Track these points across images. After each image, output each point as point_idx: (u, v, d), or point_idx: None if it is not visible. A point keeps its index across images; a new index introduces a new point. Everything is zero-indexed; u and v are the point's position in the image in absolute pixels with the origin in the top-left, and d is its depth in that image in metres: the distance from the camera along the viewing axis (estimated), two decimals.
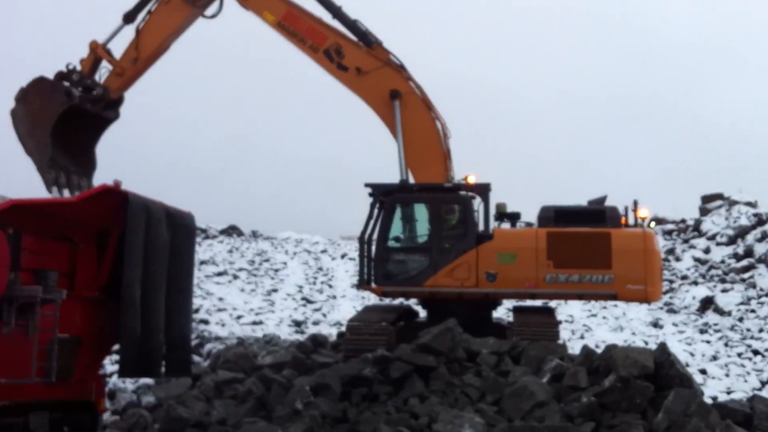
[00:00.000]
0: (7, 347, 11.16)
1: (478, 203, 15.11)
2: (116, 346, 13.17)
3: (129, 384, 15.89)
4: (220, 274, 34.07)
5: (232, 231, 45.62)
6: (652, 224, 15.52)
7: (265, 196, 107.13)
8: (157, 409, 12.99)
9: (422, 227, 15.51)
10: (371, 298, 19.29)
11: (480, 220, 15.04)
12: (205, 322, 25.37)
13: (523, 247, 14.68)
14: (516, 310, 15.70)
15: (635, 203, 15.18)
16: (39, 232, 12.31)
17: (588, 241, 14.64)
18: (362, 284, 15.23)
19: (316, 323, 28.08)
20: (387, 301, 17.61)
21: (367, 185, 15.16)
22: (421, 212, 15.54)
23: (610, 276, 14.49)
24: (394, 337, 13.92)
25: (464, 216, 15.01)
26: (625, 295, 14.74)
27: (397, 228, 15.34)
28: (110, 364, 15.35)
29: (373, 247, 14.97)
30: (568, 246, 14.61)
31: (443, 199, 15.23)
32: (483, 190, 15.11)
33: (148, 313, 12.86)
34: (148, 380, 15.33)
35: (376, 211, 15.07)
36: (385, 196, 15.08)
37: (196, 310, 25.14)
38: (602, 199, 15.51)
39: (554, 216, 14.97)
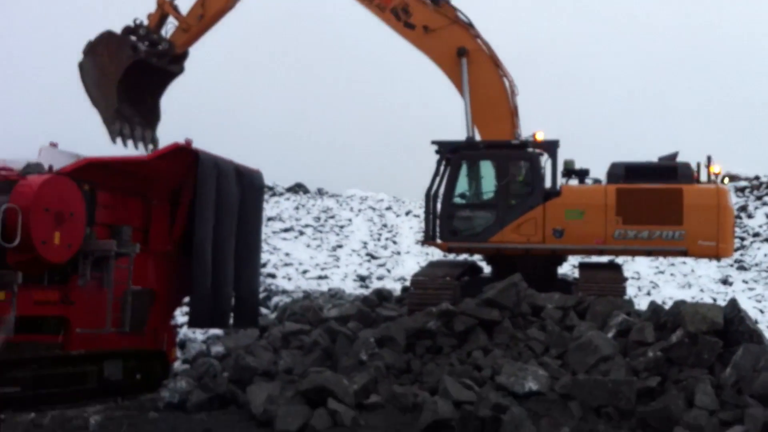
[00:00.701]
0: (83, 299, 11.62)
1: (545, 160, 14.95)
2: (187, 299, 13.61)
3: (199, 334, 16.36)
4: (286, 230, 34.53)
5: (298, 188, 46.07)
6: (725, 180, 15.17)
7: (331, 154, 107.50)
8: (226, 359, 13.34)
9: (488, 184, 15.44)
10: (435, 254, 19.35)
11: (547, 177, 14.94)
12: (272, 276, 25.83)
13: (591, 203, 14.53)
14: (582, 266, 15.58)
15: (708, 159, 14.85)
16: (114, 189, 12.72)
17: (659, 197, 14.40)
18: (428, 240, 15.31)
19: (380, 278, 28.32)
20: (451, 257, 17.67)
21: (433, 142, 15.15)
22: (487, 169, 15.46)
23: (681, 232, 14.26)
24: (458, 292, 13.99)
25: (531, 172, 14.91)
26: (695, 251, 14.51)
27: (463, 185, 15.32)
28: (181, 316, 15.78)
29: (439, 204, 15.00)
30: (638, 202, 14.41)
31: (510, 155, 15.13)
32: (551, 146, 14.95)
33: (218, 267, 13.22)
34: (218, 331, 15.76)
35: (442, 168, 15.07)
36: (451, 153, 15.05)
37: (264, 265, 25.58)
38: (673, 156, 15.20)
39: (624, 172, 14.75)
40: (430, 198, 15.02)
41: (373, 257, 32.12)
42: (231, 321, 13.80)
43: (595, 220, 14.43)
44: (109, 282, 11.77)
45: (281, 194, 43.27)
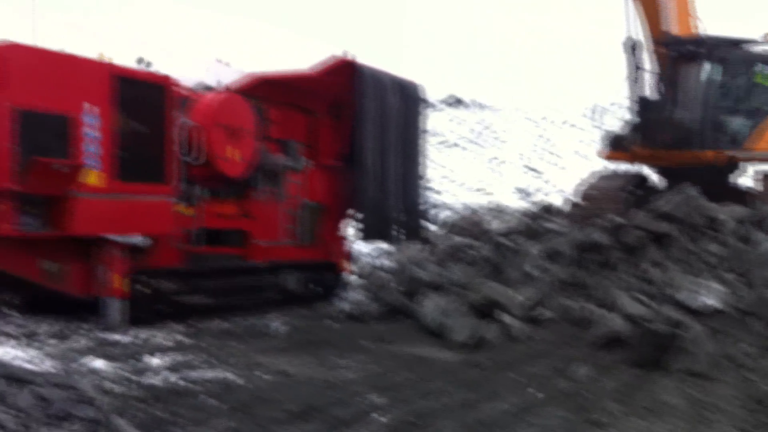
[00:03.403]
0: (260, 213, 12.14)
1: None
2: (354, 212, 13.93)
3: (368, 248, 16.77)
4: (444, 144, 34.53)
5: (455, 101, 45.75)
6: None
7: (487, 65, 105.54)
8: (395, 272, 13.62)
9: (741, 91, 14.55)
10: (597, 166, 18.78)
11: None
12: (434, 190, 25.99)
13: None
14: (765, 177, 14.67)
15: None
16: (282, 105, 13.06)
17: None
18: (622, 147, 14.61)
19: (541, 191, 27.95)
20: (613, 167, 17.09)
21: (664, 42, 14.32)
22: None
23: None
24: (628, 204, 13.58)
25: None
26: None
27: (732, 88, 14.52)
28: (349, 229, 16.22)
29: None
30: None
31: None
32: None
33: (383, 180, 13.42)
34: (386, 245, 16.10)
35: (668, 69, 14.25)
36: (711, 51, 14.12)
37: (425, 179, 25.71)
38: None
39: None
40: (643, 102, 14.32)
41: (533, 170, 31.66)
42: (398, 234, 14.03)
43: None
44: (283, 196, 12.22)
45: (438, 108, 43.16)
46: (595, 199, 13.78)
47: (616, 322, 9.65)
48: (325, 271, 13.52)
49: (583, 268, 11.77)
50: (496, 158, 32.94)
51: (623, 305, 10.04)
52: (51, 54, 9.46)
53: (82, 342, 8.95)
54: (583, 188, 14.44)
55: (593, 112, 14.82)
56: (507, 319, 9.75)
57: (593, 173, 16.12)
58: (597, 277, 11.50)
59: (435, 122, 37.76)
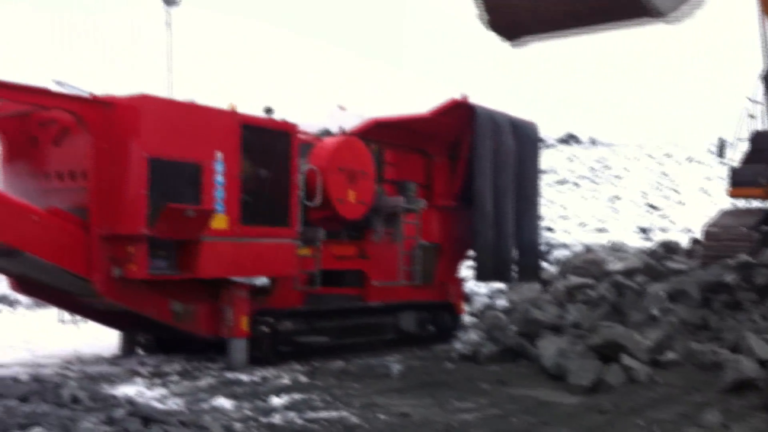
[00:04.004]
0: (377, 253, 12.30)
1: None
2: (471, 252, 13.90)
3: (483, 288, 16.68)
4: (560, 182, 34.05)
5: (569, 139, 45.11)
6: None
7: (601, 103, 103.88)
8: (511, 312, 13.48)
9: None
10: (723, 203, 18.10)
11: None
12: (550, 229, 25.62)
13: None
14: None
15: None
16: (398, 147, 13.27)
17: None
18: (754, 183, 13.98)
19: (663, 230, 27.09)
20: (741, 204, 16.43)
21: None
22: None
23: None
24: (756, 243, 13.02)
25: None
26: None
27: None
28: (464, 269, 16.18)
29: None
30: None
31: None
32: None
33: (499, 219, 13.37)
34: (501, 285, 15.97)
35: None
36: None
37: (541, 218, 25.42)
38: None
39: None
40: None
41: (654, 208, 30.76)
42: (514, 274, 13.92)
43: None
44: (399, 237, 12.35)
45: (552, 146, 42.66)
46: (722, 237, 13.26)
47: (747, 366, 9.19)
48: (442, 311, 13.51)
49: (712, 310, 11.34)
50: (617, 197, 32.16)
51: (754, 348, 9.58)
52: (182, 105, 9.96)
53: (208, 381, 9.25)
54: (709, 226, 13.94)
55: (718, 147, 14.28)
56: (629, 361, 9.46)
57: (720, 211, 15.57)
58: (725, 318, 11.05)
59: (551, 160, 37.36)
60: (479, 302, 15.93)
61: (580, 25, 10.39)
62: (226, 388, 8.83)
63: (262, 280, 10.45)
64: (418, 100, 15.50)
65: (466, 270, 15.55)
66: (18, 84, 9.05)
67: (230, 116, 10.13)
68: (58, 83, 11.80)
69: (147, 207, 9.16)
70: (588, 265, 14.71)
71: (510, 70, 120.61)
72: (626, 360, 9.48)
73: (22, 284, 10.53)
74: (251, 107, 10.83)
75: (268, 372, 9.78)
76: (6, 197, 9.00)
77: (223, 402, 7.95)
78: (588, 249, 18.17)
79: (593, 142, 44.78)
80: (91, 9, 78.42)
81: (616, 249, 19.27)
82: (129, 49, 62.25)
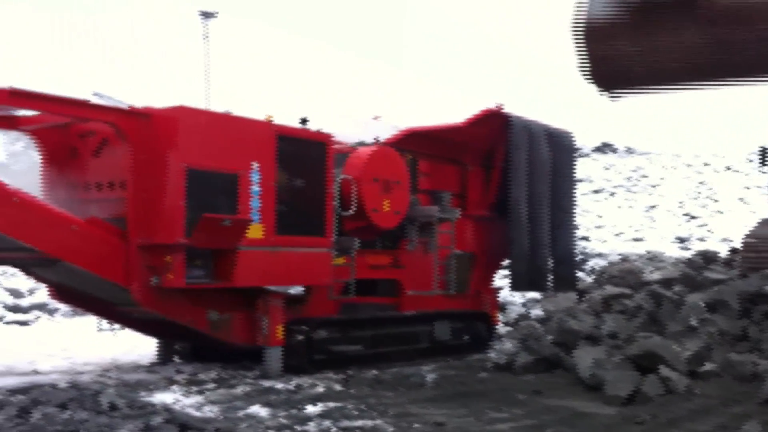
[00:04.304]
0: (412, 263, 12.31)
1: None
2: (506, 262, 13.86)
3: (518, 298, 16.60)
4: (596, 191, 33.80)
5: (605, 148, 44.83)
6: None
7: (638, 111, 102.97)
8: (547, 322, 13.40)
9: None
10: (762, 213, 17.81)
11: None
12: (586, 239, 25.44)
13: None
14: None
15: None
16: (432, 157, 13.29)
17: None
18: None
19: (701, 239, 26.74)
20: None
21: None
22: None
23: None
24: None
25: None
26: None
27: None
28: (498, 279, 16.13)
29: None
30: None
31: None
32: None
33: (535, 229, 13.33)
34: (536, 294, 15.89)
35: None
36: None
37: (577, 228, 25.26)
38: None
39: None
40: None
41: (692, 217, 30.39)
42: (550, 284, 13.85)
43: None
44: (434, 246, 12.35)
45: (588, 155, 42.40)
46: (759, 248, 13.07)
47: None
48: (477, 321, 13.47)
49: (752, 321, 11.18)
50: (654, 206, 31.83)
51: None
52: (219, 116, 10.09)
53: (244, 389, 9.31)
54: (748, 237, 13.74)
55: (760, 156, 14.04)
56: (667, 372, 9.35)
57: (759, 220, 15.33)
58: (765, 329, 10.89)
59: (587, 169, 37.11)
60: (514, 312, 15.85)
61: (701, 79, 9.57)
62: (262, 396, 8.88)
63: (297, 289, 10.51)
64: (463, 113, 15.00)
65: (501, 279, 15.51)
66: (59, 96, 9.22)
67: (266, 127, 10.23)
68: (97, 95, 12.01)
69: (184, 217, 9.27)
70: (625, 274, 14.59)
71: (550, 79, 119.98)
72: (664, 371, 9.37)
73: (61, 293, 10.69)
74: (287, 118, 10.93)
75: (303, 380, 9.82)
76: (46, 207, 9.17)
77: (259, 410, 8.00)
78: (624, 258, 18.02)
79: (629, 151, 44.43)
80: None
81: (653, 258, 19.10)
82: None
